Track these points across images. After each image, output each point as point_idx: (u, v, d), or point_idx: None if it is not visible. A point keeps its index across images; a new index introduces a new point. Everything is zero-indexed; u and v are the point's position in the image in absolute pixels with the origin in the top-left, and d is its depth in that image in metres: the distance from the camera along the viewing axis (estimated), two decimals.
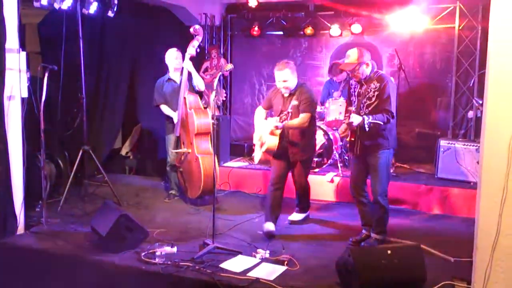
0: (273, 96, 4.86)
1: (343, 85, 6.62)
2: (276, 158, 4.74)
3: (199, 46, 5.45)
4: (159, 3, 6.94)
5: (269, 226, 4.58)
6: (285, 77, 4.59)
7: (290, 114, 4.43)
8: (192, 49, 5.36)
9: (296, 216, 5.07)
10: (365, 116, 3.96)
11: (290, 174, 4.89)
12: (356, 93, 4.27)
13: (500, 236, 3.01)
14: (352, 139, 4.26)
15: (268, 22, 7.70)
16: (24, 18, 4.95)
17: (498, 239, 3.01)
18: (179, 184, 5.81)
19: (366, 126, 3.95)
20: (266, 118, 4.89)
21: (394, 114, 4.07)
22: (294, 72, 4.66)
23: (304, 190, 5.01)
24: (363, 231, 4.41)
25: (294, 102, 4.61)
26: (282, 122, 4.42)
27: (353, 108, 4.26)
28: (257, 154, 4.85)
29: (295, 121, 4.56)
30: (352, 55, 4.15)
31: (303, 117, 4.58)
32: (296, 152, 4.73)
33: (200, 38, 5.43)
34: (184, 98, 5.39)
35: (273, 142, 4.57)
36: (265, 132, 4.64)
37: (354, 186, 4.39)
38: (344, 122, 4.15)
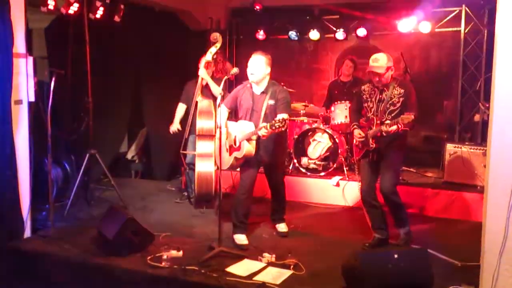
0: (240, 94, 4.48)
1: (347, 86, 6.61)
2: (247, 165, 4.40)
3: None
4: (164, 8, 6.98)
5: (242, 238, 4.35)
6: (254, 66, 4.30)
7: (285, 121, 3.93)
8: (208, 55, 5.42)
9: (284, 227, 4.77)
10: (398, 125, 3.88)
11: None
12: (375, 99, 4.21)
13: (507, 240, 3.00)
14: (372, 145, 4.18)
15: (274, 26, 7.70)
16: (31, 23, 4.98)
17: (505, 243, 3.00)
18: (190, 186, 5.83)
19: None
20: (228, 119, 4.61)
21: None
22: (268, 66, 4.35)
23: (282, 193, 4.73)
24: (377, 235, 4.35)
25: (270, 101, 4.33)
26: (276, 130, 3.92)
27: (369, 114, 4.24)
28: (226, 160, 4.43)
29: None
30: (381, 59, 4.08)
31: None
32: (271, 156, 4.44)
33: (218, 45, 5.48)
34: (196, 102, 5.41)
35: (251, 148, 4.28)
36: (241, 136, 4.28)
37: (369, 191, 4.33)
38: (371, 132, 4.12)
